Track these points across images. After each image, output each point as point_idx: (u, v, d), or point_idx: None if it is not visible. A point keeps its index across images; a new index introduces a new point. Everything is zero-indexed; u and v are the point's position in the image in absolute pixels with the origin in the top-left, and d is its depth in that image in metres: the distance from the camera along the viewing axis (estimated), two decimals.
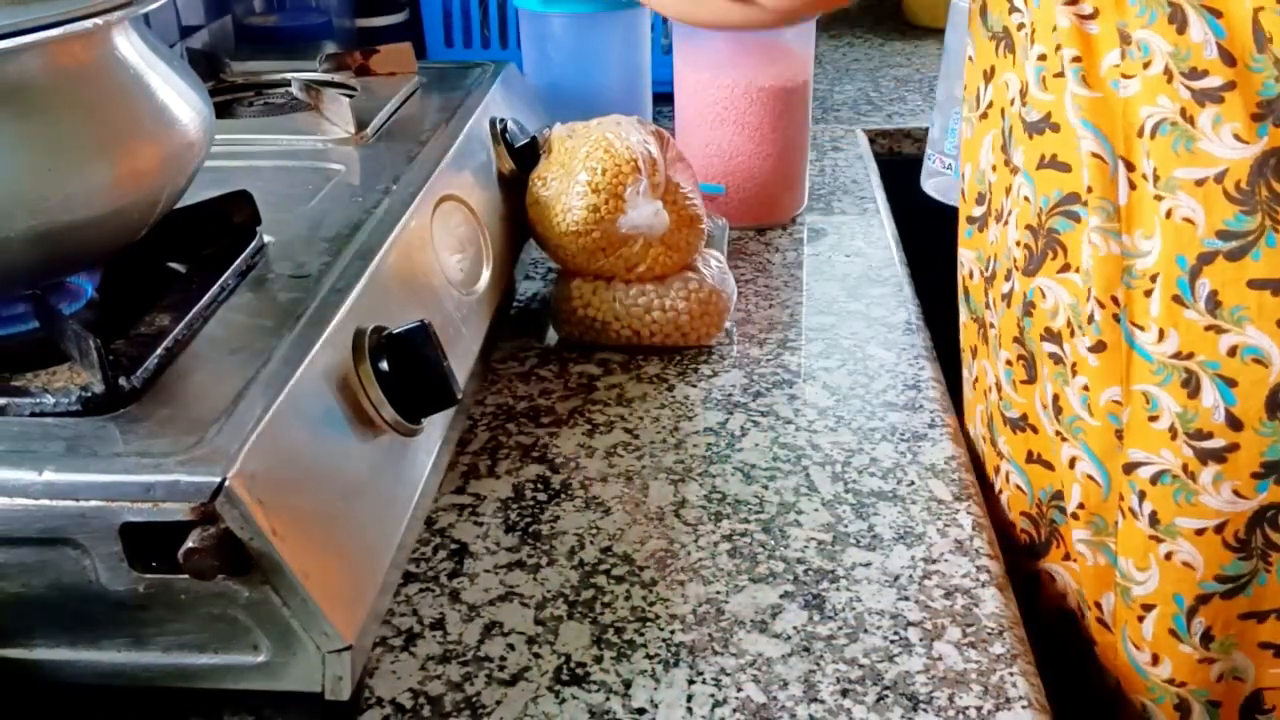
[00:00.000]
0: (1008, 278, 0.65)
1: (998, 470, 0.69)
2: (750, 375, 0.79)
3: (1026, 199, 0.62)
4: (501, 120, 0.85)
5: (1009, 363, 0.66)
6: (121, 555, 0.46)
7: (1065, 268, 0.60)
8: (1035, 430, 0.65)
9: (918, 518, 0.65)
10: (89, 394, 0.49)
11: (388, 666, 0.55)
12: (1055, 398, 0.63)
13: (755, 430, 0.73)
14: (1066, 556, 0.65)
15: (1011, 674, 0.54)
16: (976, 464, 0.73)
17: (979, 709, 0.52)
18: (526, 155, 0.84)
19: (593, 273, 0.81)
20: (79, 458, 0.46)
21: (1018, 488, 0.67)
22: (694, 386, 0.78)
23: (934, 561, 0.61)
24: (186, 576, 0.45)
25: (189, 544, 0.44)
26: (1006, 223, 0.65)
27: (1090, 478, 0.61)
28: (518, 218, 0.82)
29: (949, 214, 0.77)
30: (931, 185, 1.08)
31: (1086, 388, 0.60)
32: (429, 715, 0.52)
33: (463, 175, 0.77)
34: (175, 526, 0.44)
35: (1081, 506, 0.63)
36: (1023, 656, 0.55)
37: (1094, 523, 0.62)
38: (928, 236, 0.95)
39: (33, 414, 0.49)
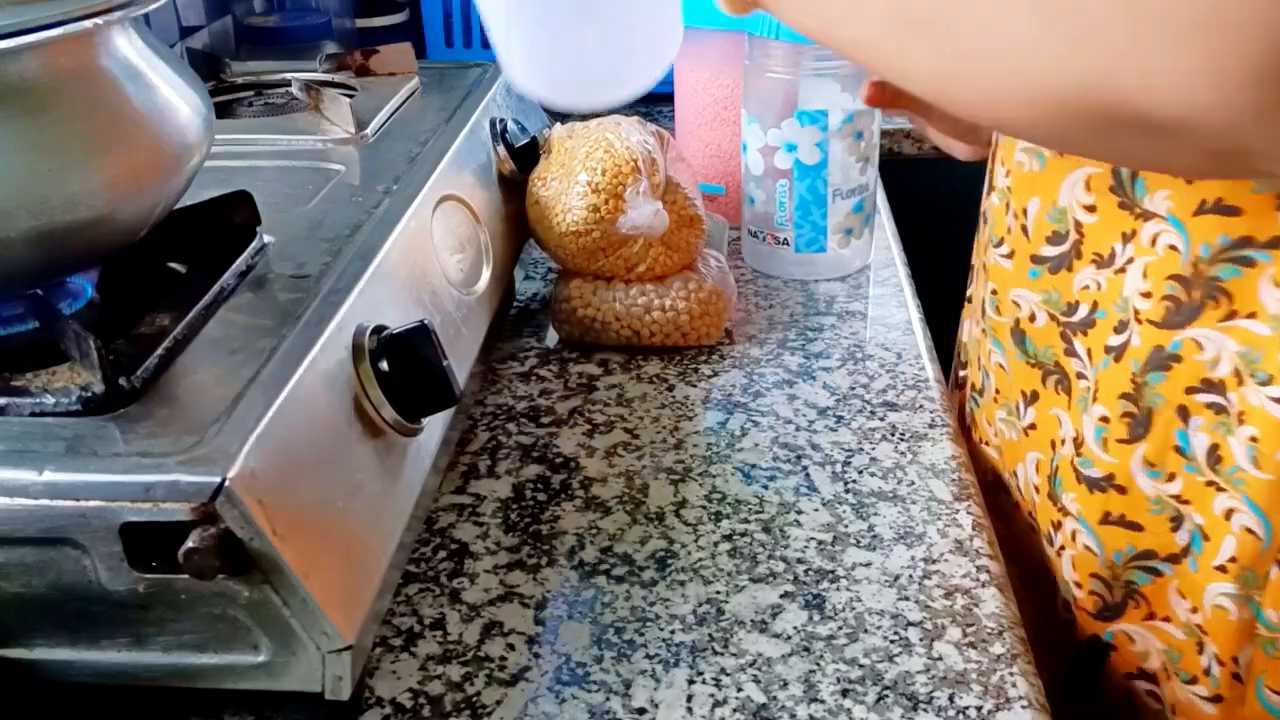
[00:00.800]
0: (1119, 330, 0.61)
1: (1058, 526, 0.66)
2: (750, 375, 0.79)
3: (1173, 248, 0.57)
4: (501, 120, 0.85)
5: (1104, 419, 0.62)
6: (122, 555, 0.46)
7: (1231, 314, 0.56)
8: (1123, 490, 0.61)
9: (918, 518, 0.65)
10: (89, 394, 0.49)
11: (388, 666, 0.55)
12: (1213, 448, 0.58)
13: (755, 430, 0.73)
14: (1150, 616, 0.62)
15: (1012, 674, 0.54)
16: (1009, 508, 0.71)
17: (979, 709, 0.52)
18: (526, 155, 0.84)
19: (593, 273, 0.81)
20: (79, 458, 0.46)
21: (1087, 548, 0.64)
22: (694, 386, 0.78)
23: (934, 561, 0.61)
24: (187, 576, 0.45)
25: (189, 544, 0.44)
26: (1123, 270, 0.59)
27: (1250, 531, 0.57)
28: (518, 218, 0.82)
29: (951, 214, 0.76)
30: (757, 258, 0.94)
31: (1255, 439, 0.56)
32: (429, 715, 0.52)
33: (463, 175, 0.77)
34: (175, 526, 0.44)
35: (1233, 560, 0.58)
36: (1022, 656, 0.55)
37: (1244, 577, 0.58)
38: (928, 236, 0.95)
39: (33, 414, 0.49)
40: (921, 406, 0.75)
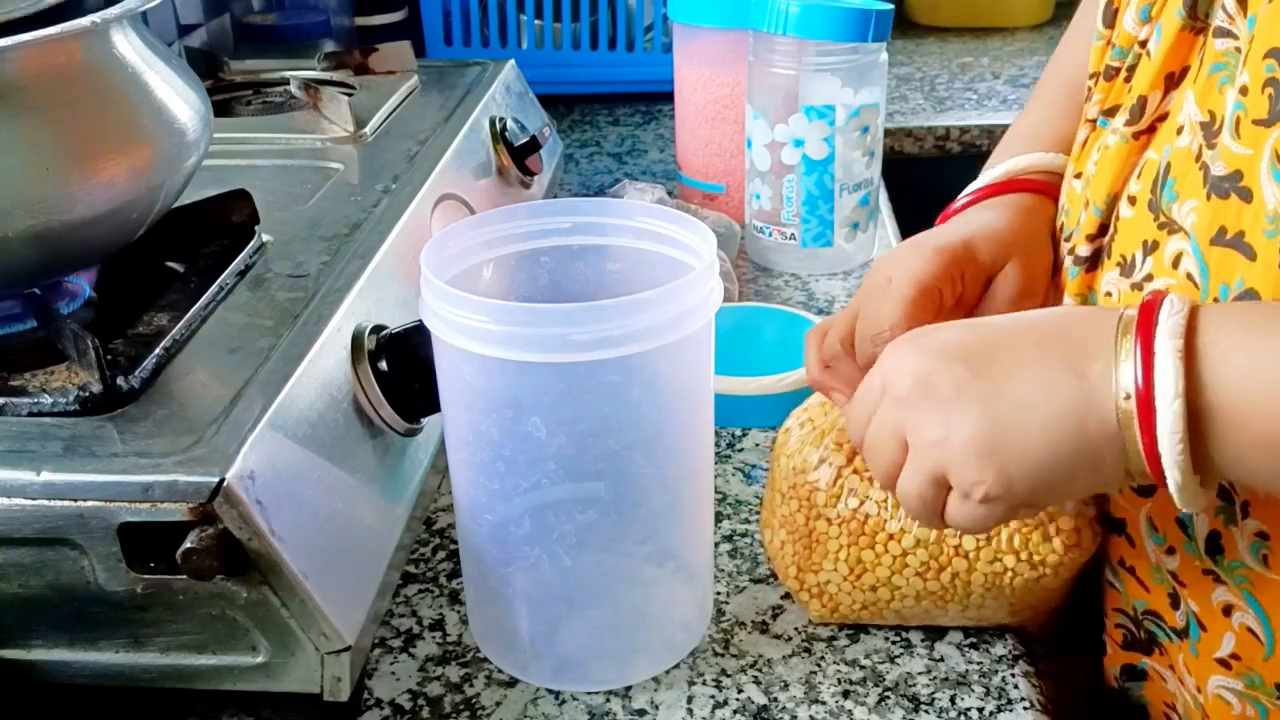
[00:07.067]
0: None
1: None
2: None
3: (1190, 278, 0.49)
4: (501, 119, 0.85)
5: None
6: (120, 556, 0.45)
7: None
8: (1132, 543, 0.55)
9: None
10: (87, 394, 0.49)
11: (387, 667, 0.55)
12: (1214, 535, 0.50)
13: (755, 430, 0.72)
14: (1171, 668, 0.56)
15: (1013, 675, 0.54)
16: None
17: (980, 710, 0.52)
18: (526, 154, 0.84)
19: None
20: (77, 458, 0.46)
21: (1110, 584, 0.58)
22: None
23: None
24: (185, 577, 0.45)
25: (187, 544, 0.44)
26: (1140, 287, 0.53)
27: (1250, 631, 0.50)
28: None
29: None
30: (762, 254, 0.94)
31: (1263, 534, 0.48)
32: (428, 716, 0.52)
33: (462, 174, 0.77)
34: (173, 527, 0.44)
35: (1236, 657, 0.52)
36: (1024, 658, 0.55)
37: (1248, 676, 0.52)
38: None
39: (31, 414, 0.49)
40: None
